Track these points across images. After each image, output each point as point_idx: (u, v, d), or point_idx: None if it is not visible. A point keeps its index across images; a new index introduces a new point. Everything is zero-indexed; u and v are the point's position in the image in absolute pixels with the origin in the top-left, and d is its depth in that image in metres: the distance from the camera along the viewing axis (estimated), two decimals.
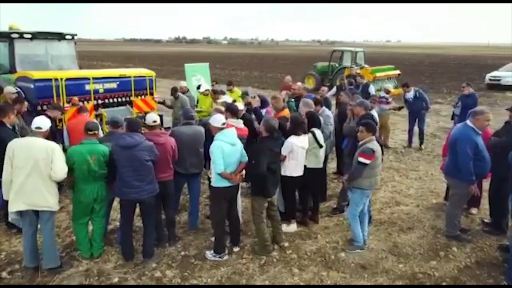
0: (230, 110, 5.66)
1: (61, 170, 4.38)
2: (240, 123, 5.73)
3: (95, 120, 6.32)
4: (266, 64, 46.96)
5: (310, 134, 5.57)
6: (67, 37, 9.66)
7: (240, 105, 6.70)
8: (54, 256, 4.65)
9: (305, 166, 5.56)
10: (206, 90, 8.99)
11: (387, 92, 9.95)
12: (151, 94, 9.16)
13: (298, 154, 5.39)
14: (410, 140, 10.39)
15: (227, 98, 7.72)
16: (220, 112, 5.97)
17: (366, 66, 21.11)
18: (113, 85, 8.38)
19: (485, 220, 5.90)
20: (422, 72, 34.35)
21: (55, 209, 4.58)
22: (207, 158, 5.54)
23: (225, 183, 4.82)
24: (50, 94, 7.38)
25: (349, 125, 6.17)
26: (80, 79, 7.83)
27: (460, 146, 4.93)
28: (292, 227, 5.73)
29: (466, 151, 4.88)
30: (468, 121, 5.11)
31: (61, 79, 7.43)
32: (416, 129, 10.25)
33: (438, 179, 7.93)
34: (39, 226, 4.66)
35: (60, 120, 7.16)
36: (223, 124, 4.85)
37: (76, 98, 7.51)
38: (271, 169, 4.87)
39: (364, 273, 4.69)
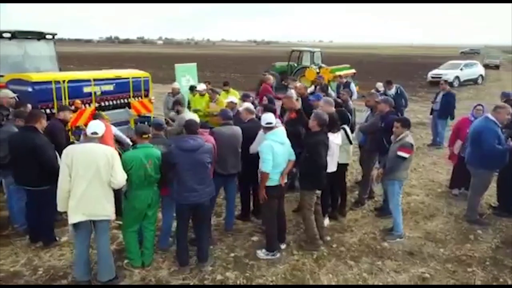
0: (268, 110, 5.69)
1: (122, 177, 4.19)
2: (278, 122, 5.78)
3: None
4: (212, 63, 46.66)
5: (342, 131, 5.79)
6: (47, 36, 9.04)
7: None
8: (111, 267, 4.43)
9: None
10: (204, 89, 8.91)
11: (377, 90, 10.46)
12: (146, 95, 8.86)
13: (334, 150, 5.57)
14: None
15: (234, 98, 7.70)
16: (250, 112, 6.02)
17: (324, 65, 21.90)
18: (110, 87, 8.00)
19: (492, 204, 6.50)
20: (366, 72, 36.11)
21: (113, 218, 4.36)
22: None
23: (275, 182, 4.88)
24: (50, 97, 6.87)
25: (370, 121, 6.45)
26: (82, 81, 7.38)
27: (486, 138, 5.41)
28: (326, 222, 5.91)
29: (492, 143, 5.37)
30: (489, 115, 5.62)
31: (63, 81, 6.95)
32: None
33: (430, 170, 8.57)
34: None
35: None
36: (268, 123, 4.90)
37: (79, 101, 7.07)
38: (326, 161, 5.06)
39: (414, 259, 5.00)
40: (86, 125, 7.18)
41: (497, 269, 4.79)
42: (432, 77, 25.98)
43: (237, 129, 5.51)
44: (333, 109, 6.25)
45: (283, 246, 5.27)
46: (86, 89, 7.47)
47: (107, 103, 7.92)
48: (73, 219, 4.08)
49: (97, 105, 7.80)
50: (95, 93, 7.62)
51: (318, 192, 5.23)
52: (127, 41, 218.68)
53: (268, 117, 4.93)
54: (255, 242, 5.44)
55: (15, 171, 5.00)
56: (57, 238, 5.32)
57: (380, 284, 4.49)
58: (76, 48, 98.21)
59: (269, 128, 4.86)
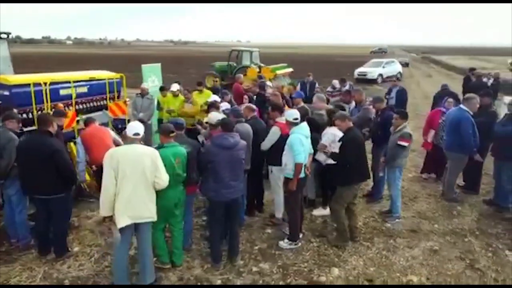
0: (277, 109, 5.90)
1: (166, 177, 4.16)
2: (283, 119, 6.04)
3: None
4: (138, 64, 44.89)
5: None
6: (1, 36, 8.30)
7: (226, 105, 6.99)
8: (153, 269, 4.37)
9: None
10: (177, 90, 8.85)
11: (333, 87, 11.18)
12: (118, 97, 8.56)
13: (337, 143, 5.99)
14: None
15: (216, 97, 7.80)
16: (252, 110, 6.21)
17: (263, 65, 22.49)
18: (84, 89, 7.63)
19: (460, 184, 7.42)
20: (299, 70, 37.45)
21: (156, 219, 4.30)
22: None
23: (302, 174, 5.14)
24: (29, 101, 6.38)
25: (358, 115, 6.97)
26: (61, 83, 6.93)
27: (464, 127, 6.20)
28: (328, 210, 6.30)
29: (469, 130, 6.18)
30: (462, 106, 6.45)
31: (45, 83, 6.49)
32: None
33: None
34: None
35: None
36: (295, 119, 5.16)
37: (61, 105, 6.67)
38: None
39: (418, 236, 5.60)
40: (63, 128, 6.85)
41: (486, 237, 5.57)
42: (358, 75, 27.95)
43: (249, 127, 5.67)
44: (326, 105, 6.71)
45: (301, 235, 5.55)
46: (65, 92, 7.06)
47: (85, 106, 7.56)
48: (121, 223, 3.97)
49: (77, 107, 7.43)
50: (71, 95, 7.22)
51: (358, 186, 5.52)
52: (31, 41, 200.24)
53: (294, 113, 5.18)
54: (270, 234, 5.66)
55: (26, 180, 4.65)
56: (70, 249, 5.06)
57: (401, 259, 5.00)
58: None
59: (296, 123, 5.12)
